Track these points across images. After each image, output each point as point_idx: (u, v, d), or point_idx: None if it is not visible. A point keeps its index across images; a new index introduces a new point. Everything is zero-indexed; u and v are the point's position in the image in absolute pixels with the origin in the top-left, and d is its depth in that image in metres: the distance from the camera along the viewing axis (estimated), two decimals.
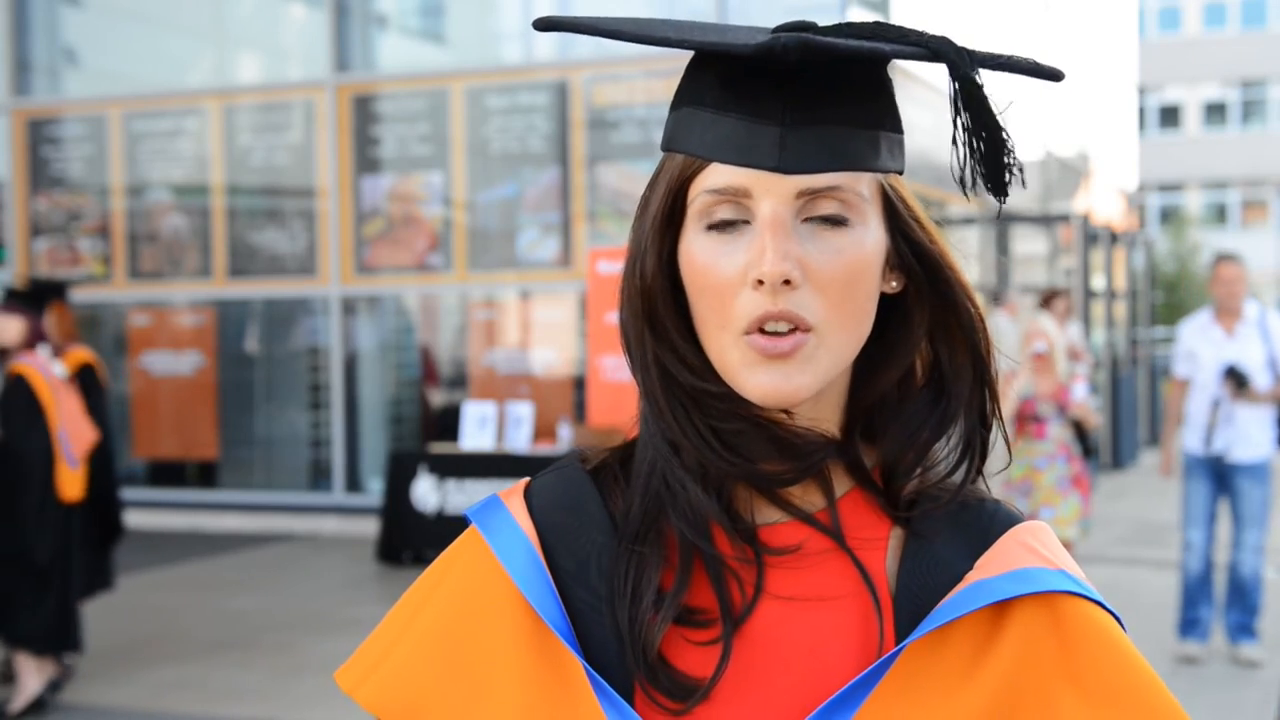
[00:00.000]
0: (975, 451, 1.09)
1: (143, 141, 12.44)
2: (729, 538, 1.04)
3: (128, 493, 11.85)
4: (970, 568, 1.04)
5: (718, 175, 1.01)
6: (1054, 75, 0.99)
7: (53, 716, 6.30)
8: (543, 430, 10.33)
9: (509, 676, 1.02)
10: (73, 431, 6.41)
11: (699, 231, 1.02)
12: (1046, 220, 16.38)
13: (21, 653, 6.33)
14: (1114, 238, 16.85)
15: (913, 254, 1.06)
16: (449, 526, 9.52)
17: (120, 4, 13.56)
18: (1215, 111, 40.89)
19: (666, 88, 10.80)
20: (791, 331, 0.99)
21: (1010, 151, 1.02)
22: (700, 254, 1.02)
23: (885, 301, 1.06)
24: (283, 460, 12.43)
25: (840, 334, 1.01)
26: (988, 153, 1.02)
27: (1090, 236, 15.43)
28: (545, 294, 11.67)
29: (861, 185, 1.02)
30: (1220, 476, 7.14)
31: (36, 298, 6.52)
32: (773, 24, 1.05)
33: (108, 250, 12.56)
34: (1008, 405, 6.93)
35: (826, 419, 1.06)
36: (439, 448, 10.49)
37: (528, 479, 1.13)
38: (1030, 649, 1.01)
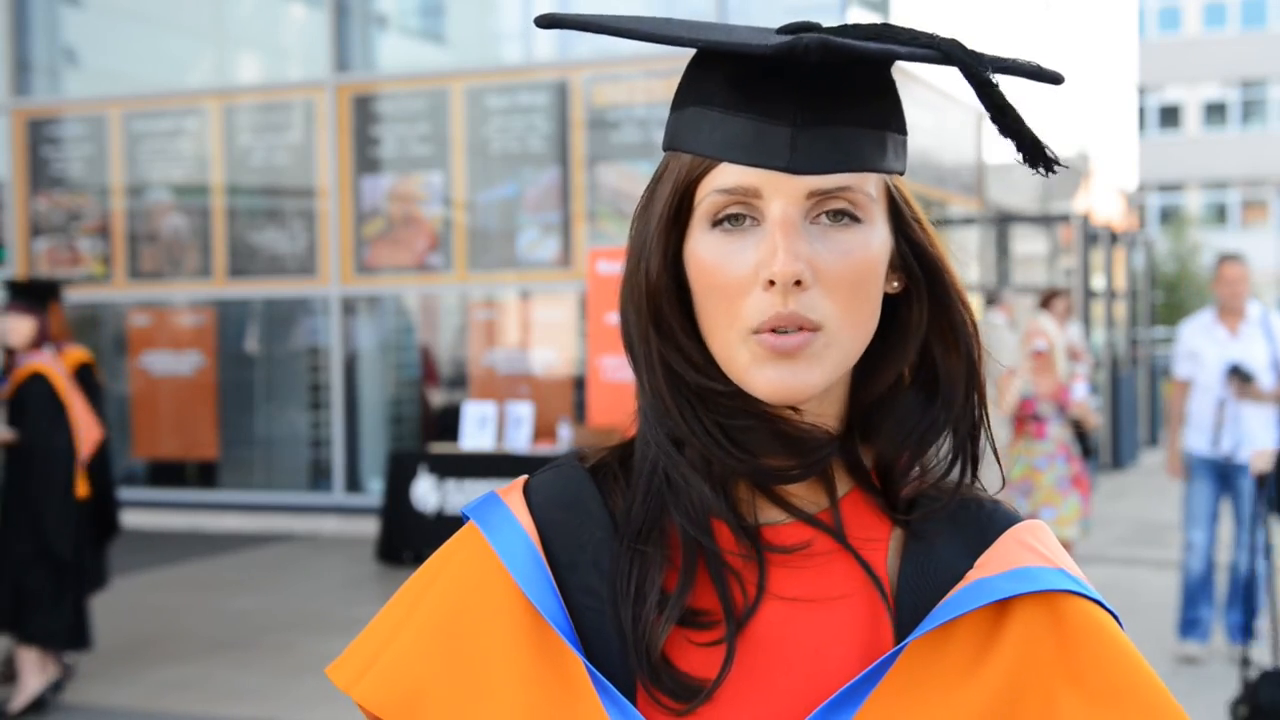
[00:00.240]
0: (967, 452, 1.09)
1: (143, 141, 12.44)
2: (732, 535, 1.04)
3: (128, 493, 11.86)
4: (970, 567, 1.04)
5: (727, 175, 1.01)
6: (1054, 79, 0.99)
7: (53, 716, 6.30)
8: (543, 430, 10.33)
9: (509, 674, 1.01)
10: (82, 429, 6.48)
11: (707, 231, 1.02)
12: (1046, 220, 16.39)
13: (28, 651, 6.34)
14: (1114, 238, 16.85)
15: (914, 255, 1.07)
16: (449, 526, 9.49)
17: (120, 4, 13.56)
18: (1215, 111, 40.89)
19: (666, 88, 10.80)
20: (799, 330, 0.99)
21: (1033, 137, 1.02)
22: (708, 253, 1.02)
23: (885, 301, 1.06)
24: (283, 460, 12.43)
25: (848, 333, 1.01)
26: (1023, 140, 1.02)
27: (1090, 236, 15.43)
28: (545, 294, 11.67)
29: (869, 186, 1.02)
30: (1224, 477, 7.14)
31: (40, 297, 6.52)
32: (773, 24, 1.05)
33: (108, 250, 12.56)
34: (1006, 405, 6.93)
35: (830, 417, 1.06)
36: (439, 448, 10.49)
37: (525, 476, 1.12)
38: (1030, 647, 1.01)
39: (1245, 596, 6.95)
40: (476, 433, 10.17)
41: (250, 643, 7.64)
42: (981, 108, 1.02)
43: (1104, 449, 15.46)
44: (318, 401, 12.25)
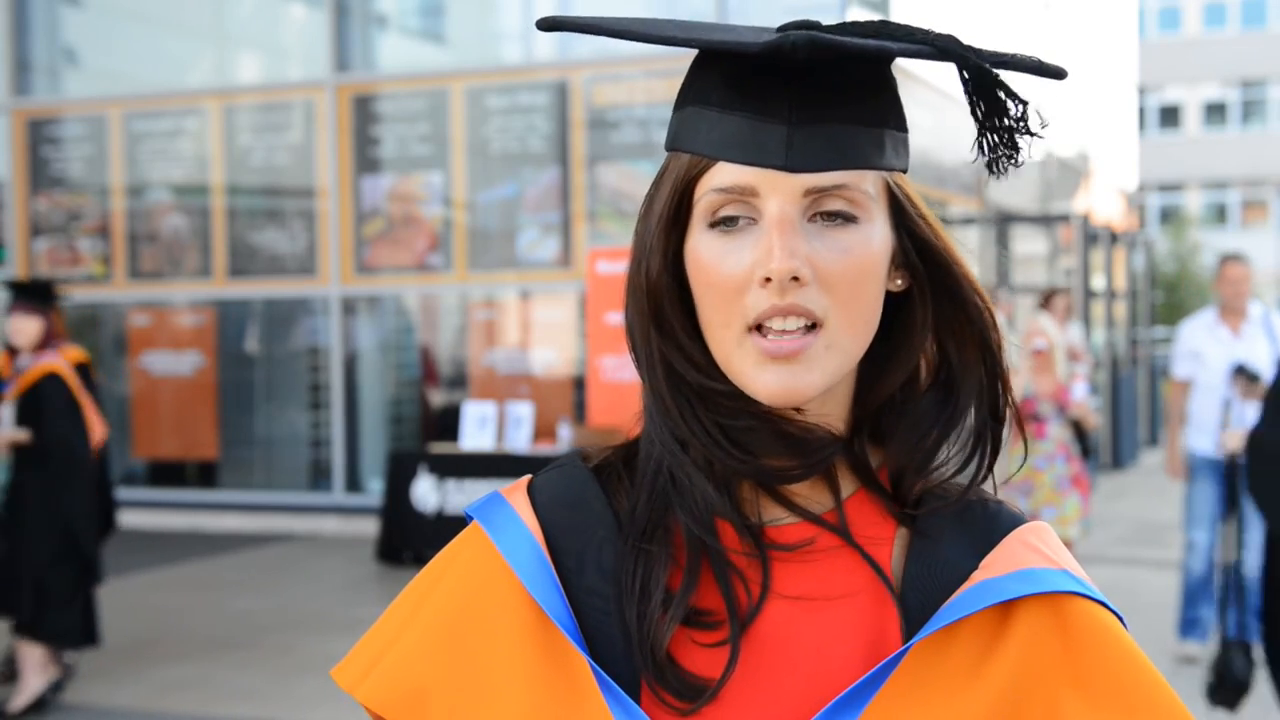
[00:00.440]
0: (986, 448, 1.09)
1: (143, 141, 12.44)
2: (736, 535, 1.04)
3: (128, 493, 11.87)
4: (975, 567, 1.04)
5: (724, 174, 1.01)
6: (1057, 74, 0.99)
7: (54, 716, 6.30)
8: (543, 430, 10.33)
9: (514, 674, 1.01)
10: (94, 428, 6.56)
11: (705, 230, 1.02)
12: (1046, 220, 16.39)
13: (32, 650, 6.35)
14: (1114, 238, 16.85)
15: (918, 252, 1.06)
16: (449, 526, 9.52)
17: (120, 4, 13.56)
18: (1215, 111, 40.89)
19: (666, 88, 10.80)
20: (801, 329, 0.99)
21: (1028, 126, 1.01)
22: (706, 252, 1.02)
23: (889, 301, 1.06)
24: (283, 460, 12.43)
25: (848, 332, 1.01)
26: (1008, 136, 1.01)
27: (1090, 236, 15.43)
28: (545, 294, 11.67)
29: (868, 183, 1.02)
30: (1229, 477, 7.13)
31: (46, 297, 6.53)
32: (773, 24, 1.05)
33: (108, 250, 12.56)
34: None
35: (833, 418, 1.06)
36: (439, 448, 10.49)
37: (529, 476, 1.12)
38: (1035, 649, 1.01)
39: (1246, 594, 6.96)
40: (476, 433, 10.17)
41: (250, 643, 7.64)
42: (981, 107, 1.01)
43: (1104, 449, 15.47)
44: (318, 401, 12.25)
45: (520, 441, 10.07)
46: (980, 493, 1.10)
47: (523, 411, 10.18)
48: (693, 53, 1.05)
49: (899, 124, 1.04)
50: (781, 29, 0.99)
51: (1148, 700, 1.02)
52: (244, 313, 12.42)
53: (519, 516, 1.08)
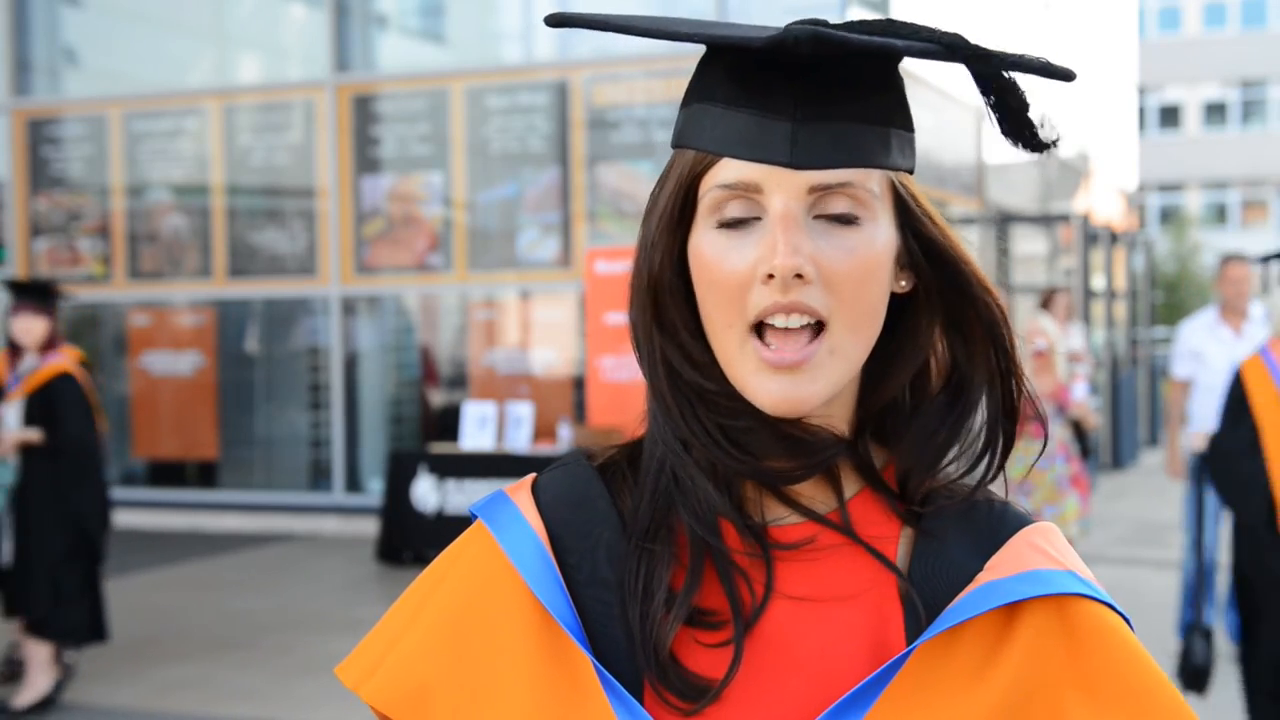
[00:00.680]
0: (996, 446, 1.09)
1: (143, 141, 12.44)
2: (739, 535, 1.04)
3: (128, 493, 11.87)
4: (980, 568, 1.04)
5: (729, 170, 1.00)
6: (1065, 75, 0.98)
7: (54, 716, 6.30)
8: (543, 430, 10.33)
9: (517, 673, 1.01)
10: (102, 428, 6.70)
11: (709, 227, 1.02)
12: (1046, 220, 16.38)
13: (39, 648, 6.36)
14: (1114, 238, 16.85)
15: (924, 251, 1.06)
16: (449, 526, 9.52)
17: (120, 4, 13.56)
18: (1215, 111, 40.89)
19: (666, 88, 10.80)
20: (805, 330, 0.99)
21: (1035, 118, 1.01)
22: (710, 249, 1.01)
23: (894, 302, 1.06)
24: (283, 460, 12.42)
25: (851, 335, 1.01)
26: (1021, 124, 1.01)
27: (1090, 236, 15.43)
28: (545, 294, 11.67)
29: (872, 182, 1.01)
30: None
31: (49, 298, 6.55)
32: (774, 24, 1.05)
33: (108, 250, 12.56)
34: (1043, 386, 6.93)
35: (837, 418, 1.06)
36: (439, 448, 10.49)
37: (533, 475, 1.12)
38: (1040, 651, 1.01)
39: (1211, 584, 6.98)
40: (476, 433, 10.17)
41: (250, 643, 7.64)
42: (983, 106, 1.01)
43: (1104, 449, 15.46)
44: (318, 401, 12.25)
45: (520, 441, 10.07)
46: (986, 492, 1.10)
47: (523, 411, 10.18)
48: (699, 52, 1.04)
49: (905, 124, 1.04)
50: (788, 26, 0.99)
51: (1153, 702, 1.01)
52: (244, 313, 12.42)
53: (523, 515, 1.08)
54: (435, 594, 1.08)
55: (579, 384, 11.04)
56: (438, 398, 12.34)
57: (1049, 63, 0.97)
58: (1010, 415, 1.09)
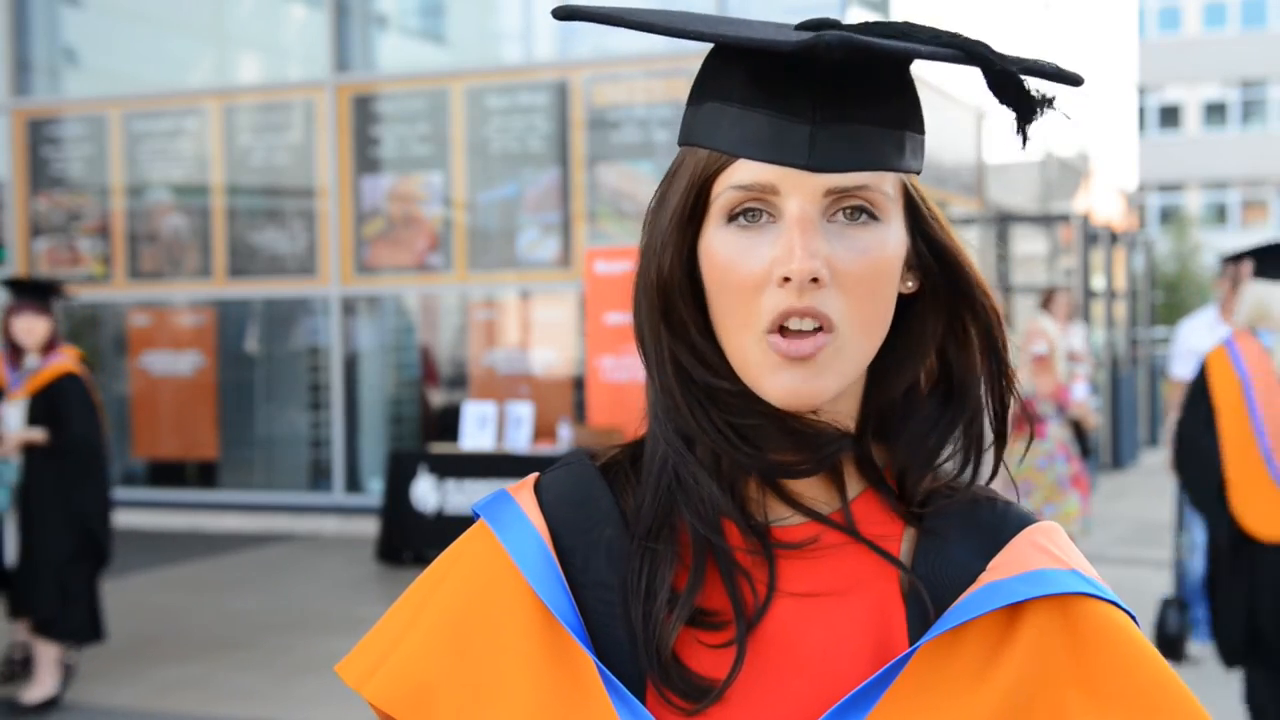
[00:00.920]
0: (983, 446, 1.09)
1: (143, 141, 12.44)
2: (742, 534, 1.03)
3: (128, 493, 11.87)
4: (983, 568, 1.04)
5: (745, 171, 1.00)
6: (1075, 80, 0.98)
7: (55, 716, 6.31)
8: (543, 430, 10.33)
9: (520, 673, 1.01)
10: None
11: (722, 227, 1.01)
12: (1046, 220, 16.38)
13: (48, 648, 6.37)
14: (1114, 238, 16.85)
15: (931, 254, 1.06)
16: (449, 526, 9.52)
17: (120, 4, 13.56)
18: (1215, 111, 40.89)
19: (666, 88, 10.80)
20: (815, 331, 0.99)
21: (1044, 107, 1.01)
22: (723, 250, 1.01)
23: (900, 301, 1.06)
24: (283, 460, 12.43)
25: (861, 335, 1.01)
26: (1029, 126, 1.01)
27: (1090, 236, 15.43)
28: (545, 294, 11.67)
29: (887, 185, 1.01)
30: None
31: (49, 298, 6.56)
32: (774, 21, 1.04)
33: (108, 250, 12.56)
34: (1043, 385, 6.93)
35: (844, 416, 1.06)
36: (439, 448, 10.49)
37: (536, 474, 1.12)
38: (1042, 651, 1.00)
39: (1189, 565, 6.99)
40: (476, 433, 10.17)
41: (250, 643, 7.64)
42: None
43: (1104, 449, 15.46)
44: (318, 401, 12.25)
45: (520, 441, 10.07)
46: (989, 492, 1.10)
47: (523, 411, 10.18)
48: (700, 51, 1.03)
49: (918, 126, 1.04)
50: (802, 27, 0.98)
51: (1158, 701, 1.01)
52: (244, 313, 12.42)
53: (525, 515, 1.07)
54: (437, 593, 1.08)
55: (579, 384, 11.04)
56: (438, 398, 12.34)
57: (1060, 68, 0.98)
58: (1003, 416, 1.09)
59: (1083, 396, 8.45)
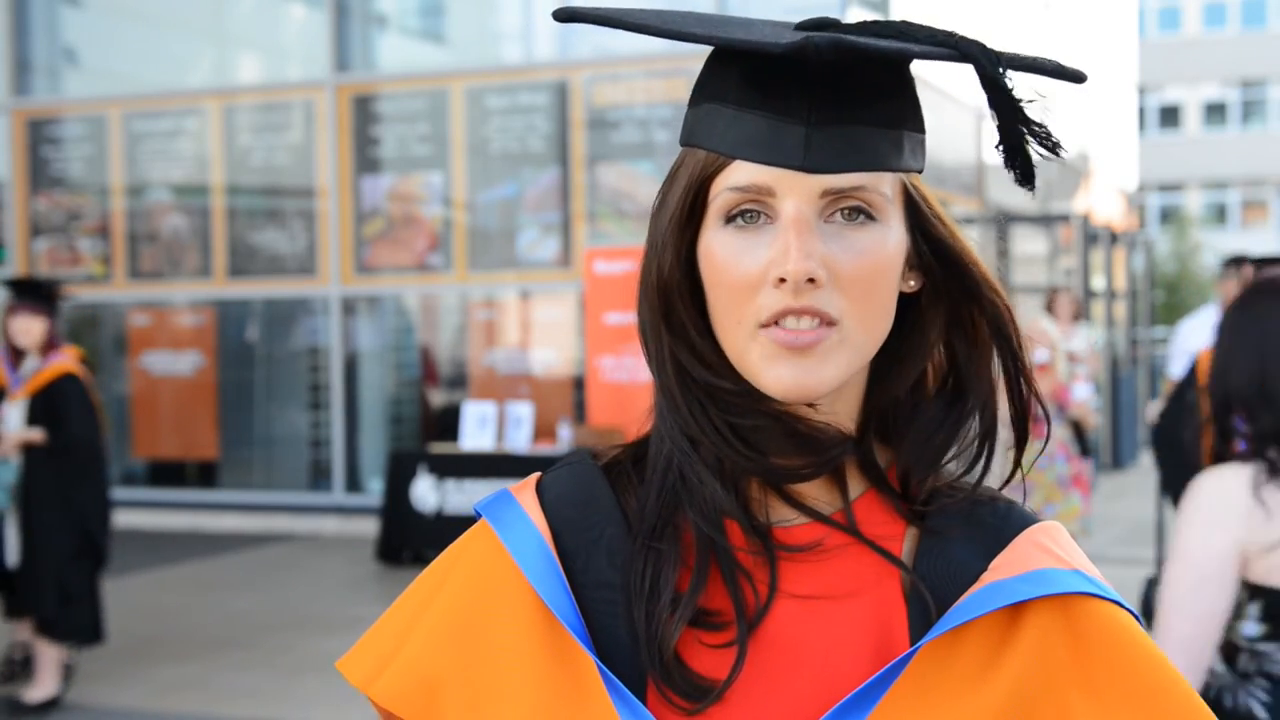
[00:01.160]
0: (989, 448, 1.08)
1: (143, 141, 12.44)
2: (744, 535, 1.03)
3: (128, 493, 11.87)
4: (985, 568, 1.04)
5: (741, 173, 1.00)
6: (1077, 77, 0.98)
7: (55, 716, 6.31)
8: (542, 430, 10.33)
9: (521, 673, 1.01)
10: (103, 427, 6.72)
11: (720, 228, 1.01)
12: (1046, 220, 16.38)
13: (50, 649, 6.37)
14: (1114, 238, 16.85)
15: (933, 252, 1.06)
16: (448, 526, 9.52)
17: (120, 4, 13.56)
18: (1215, 111, 40.89)
19: (666, 87, 10.80)
20: (815, 327, 0.98)
21: (1042, 140, 1.01)
22: (721, 250, 1.01)
23: (901, 301, 1.05)
24: (283, 460, 12.42)
25: (861, 332, 1.00)
26: (1018, 147, 1.01)
27: (1090, 236, 15.43)
28: (545, 294, 11.67)
29: (885, 185, 1.01)
30: None
31: (49, 298, 6.54)
32: (774, 20, 1.04)
33: (108, 250, 12.56)
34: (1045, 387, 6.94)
35: (844, 416, 1.06)
36: (439, 448, 10.49)
37: (538, 474, 1.12)
38: (1044, 652, 1.00)
39: None
40: (476, 433, 10.17)
41: (250, 643, 7.64)
42: (984, 107, 1.01)
43: (1104, 449, 15.46)
44: (318, 401, 12.25)
45: (520, 441, 10.07)
46: (991, 493, 1.09)
47: (523, 411, 10.18)
48: (701, 51, 1.03)
49: (917, 125, 1.04)
50: (801, 26, 0.98)
51: (1161, 701, 1.01)
52: (244, 313, 12.42)
53: (527, 514, 1.07)
54: (440, 593, 1.08)
55: (579, 384, 11.04)
56: (438, 398, 12.34)
57: (1061, 65, 0.97)
58: (1023, 413, 1.08)
59: (1083, 396, 8.45)
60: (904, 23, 0.98)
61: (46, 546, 6.34)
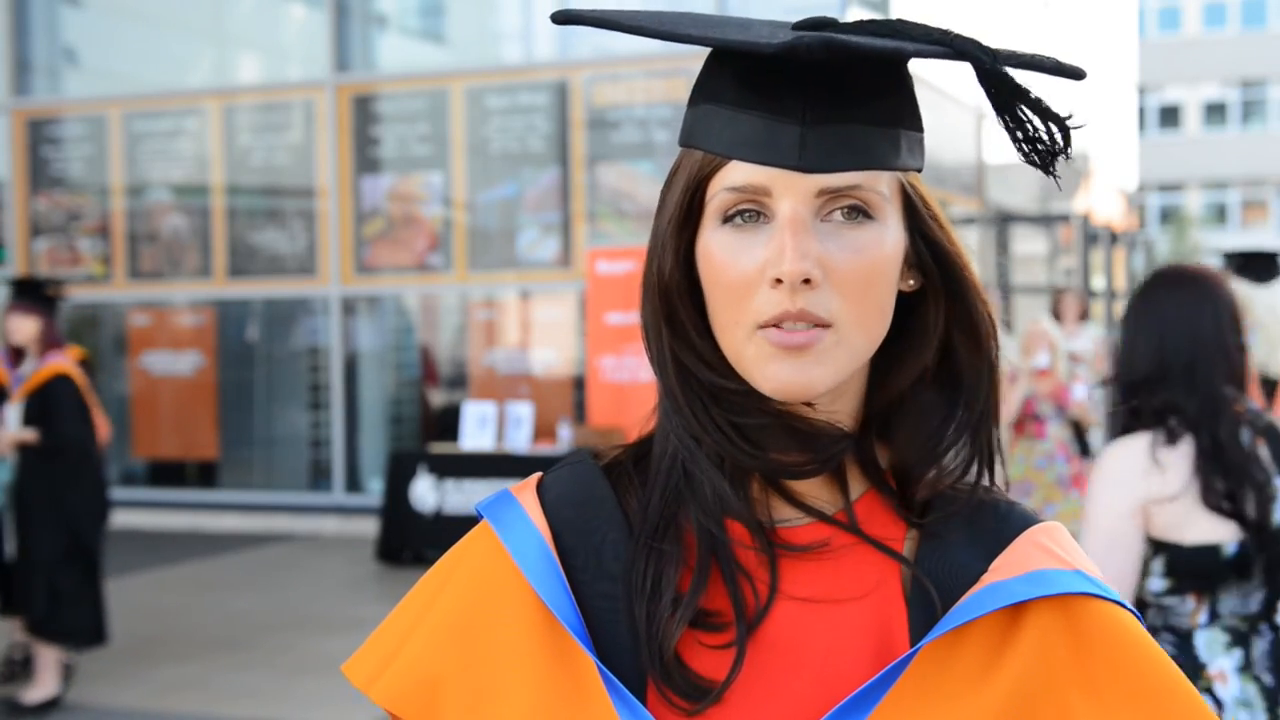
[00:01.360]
0: (984, 450, 1.08)
1: (143, 141, 12.44)
2: (747, 535, 1.03)
3: (128, 493, 11.87)
4: (986, 569, 1.04)
5: (737, 173, 1.00)
6: (1075, 74, 0.97)
7: (55, 716, 6.31)
8: (542, 430, 10.33)
9: (522, 674, 1.01)
10: (100, 427, 6.67)
11: (717, 228, 1.02)
12: (1046, 220, 16.38)
13: (49, 650, 6.37)
14: (1114, 238, 16.83)
15: (930, 253, 1.06)
16: (448, 526, 9.52)
17: (120, 4, 13.56)
18: (1215, 111, 40.90)
19: (666, 88, 10.80)
20: (810, 328, 0.98)
21: (1055, 128, 1.00)
22: (718, 251, 1.01)
23: (901, 300, 1.05)
24: (283, 460, 12.43)
25: (858, 331, 1.00)
26: (1034, 137, 1.00)
27: (1090, 236, 15.42)
28: (545, 294, 11.67)
29: (881, 184, 1.01)
30: None
31: (45, 297, 6.53)
32: (774, 19, 1.04)
33: (108, 250, 12.56)
34: (1008, 410, 6.93)
35: (844, 415, 1.05)
36: (439, 448, 10.49)
37: (539, 474, 1.12)
38: (1045, 652, 1.00)
39: None
40: (476, 433, 10.17)
41: (250, 643, 7.64)
42: (984, 107, 1.01)
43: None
44: (318, 401, 12.25)
45: (520, 441, 10.07)
46: (992, 494, 1.09)
47: (523, 411, 10.18)
48: (701, 51, 1.03)
49: (914, 123, 1.04)
50: (798, 26, 0.98)
51: (1163, 701, 1.01)
52: (244, 313, 12.43)
53: (527, 515, 1.07)
54: (441, 594, 1.08)
55: (579, 384, 11.04)
56: (438, 398, 12.34)
57: (1059, 62, 0.96)
58: (993, 420, 1.09)
59: (1083, 396, 8.44)
60: (899, 21, 0.98)
61: (38, 547, 6.33)
